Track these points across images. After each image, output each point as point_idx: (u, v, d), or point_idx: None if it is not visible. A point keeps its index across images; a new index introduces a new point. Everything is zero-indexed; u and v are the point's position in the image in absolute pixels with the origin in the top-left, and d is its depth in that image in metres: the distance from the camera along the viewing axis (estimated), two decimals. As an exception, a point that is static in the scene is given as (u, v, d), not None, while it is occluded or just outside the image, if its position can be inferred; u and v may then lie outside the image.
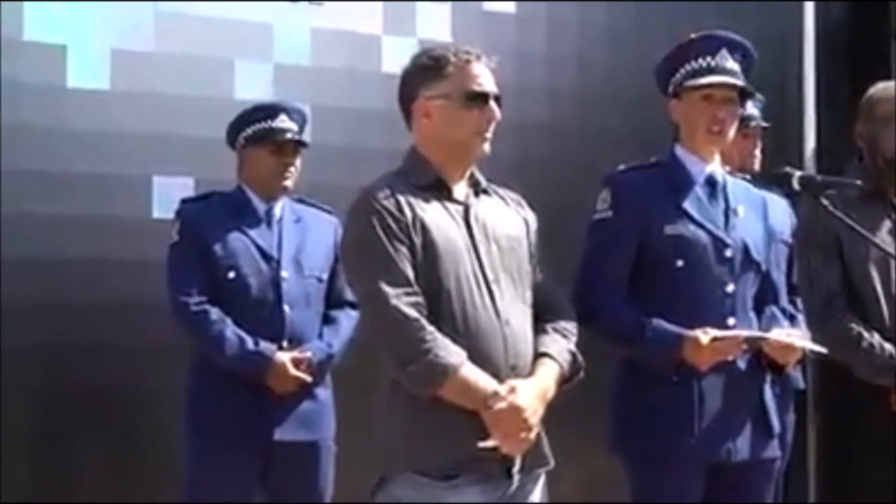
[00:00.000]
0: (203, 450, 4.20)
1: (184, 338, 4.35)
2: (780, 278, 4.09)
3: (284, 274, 4.24)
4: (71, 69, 4.85)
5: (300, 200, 4.45)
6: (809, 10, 6.50)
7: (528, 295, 3.20)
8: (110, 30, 4.90)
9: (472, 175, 3.25)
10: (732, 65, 3.68)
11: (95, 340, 4.89)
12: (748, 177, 4.11)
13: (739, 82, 3.68)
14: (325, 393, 4.30)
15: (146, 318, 4.88)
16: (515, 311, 3.13)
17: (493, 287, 3.10)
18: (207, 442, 4.18)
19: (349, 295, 4.25)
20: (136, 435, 4.97)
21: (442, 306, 3.05)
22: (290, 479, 4.20)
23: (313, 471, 4.25)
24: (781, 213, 4.39)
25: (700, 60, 3.66)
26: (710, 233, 3.64)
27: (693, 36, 3.74)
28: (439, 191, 3.17)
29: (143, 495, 4.94)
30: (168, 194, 4.86)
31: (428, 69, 3.19)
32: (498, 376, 3.03)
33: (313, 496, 4.25)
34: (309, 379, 4.18)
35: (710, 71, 3.65)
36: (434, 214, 3.12)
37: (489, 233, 3.17)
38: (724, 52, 3.68)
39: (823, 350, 3.64)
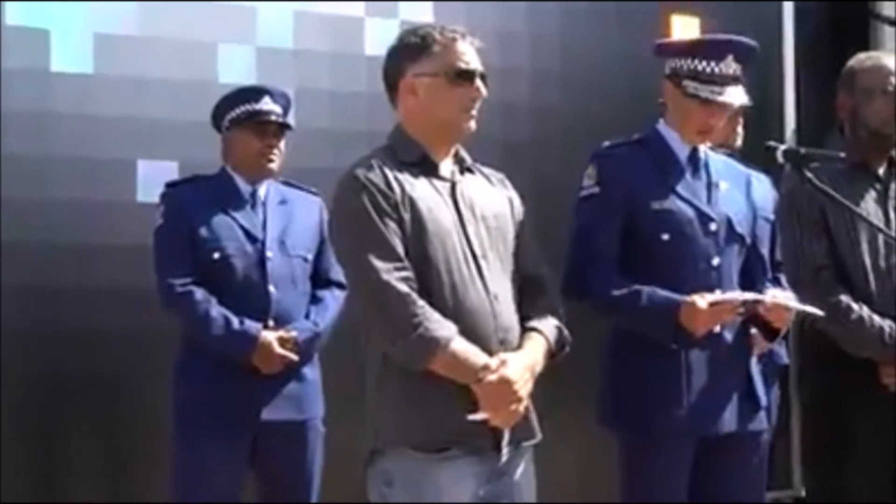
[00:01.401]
0: (191, 433, 4.19)
1: (170, 322, 4.35)
2: (764, 255, 4.12)
3: (269, 254, 4.25)
4: (54, 53, 4.85)
5: (285, 182, 4.45)
6: (789, -11, 6.56)
7: (514, 271, 3.23)
8: (93, 14, 4.90)
9: (457, 153, 3.28)
10: (736, 70, 3.70)
11: (80, 325, 4.89)
12: (731, 153, 4.15)
13: (738, 102, 3.73)
14: (312, 373, 4.31)
15: (132, 302, 4.88)
16: (503, 287, 3.16)
17: (482, 263, 3.13)
18: (195, 425, 4.18)
19: (335, 275, 4.27)
20: (121, 420, 4.97)
21: (431, 281, 3.07)
22: (279, 459, 4.21)
23: (302, 451, 4.25)
24: (764, 190, 4.43)
25: (705, 63, 3.67)
26: (694, 207, 3.69)
27: (705, 38, 3.76)
28: (426, 168, 3.19)
29: (132, 480, 4.95)
30: (152, 178, 4.85)
31: (414, 47, 3.21)
32: (487, 350, 3.06)
33: (302, 476, 4.25)
34: (295, 358, 4.19)
35: (714, 80, 3.66)
36: (422, 191, 3.14)
37: (476, 210, 3.19)
38: (730, 58, 3.69)
39: (819, 312, 3.64)
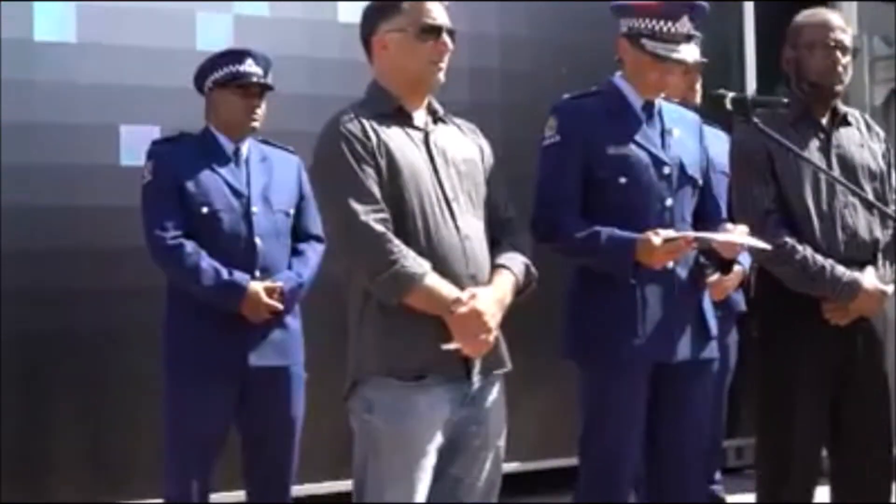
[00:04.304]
0: (182, 380, 4.33)
1: (154, 279, 4.47)
2: (722, 206, 4.31)
3: (255, 209, 4.40)
4: (38, 23, 5.02)
5: (263, 141, 4.61)
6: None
7: (483, 213, 3.43)
8: (76, -15, 5.06)
9: (429, 104, 3.48)
10: (690, 29, 3.91)
11: (66, 285, 5.08)
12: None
13: (692, 59, 3.96)
14: (294, 322, 4.47)
15: (116, 263, 5.09)
16: (473, 227, 3.37)
17: (454, 205, 3.34)
18: (186, 372, 4.32)
19: (314, 229, 4.46)
20: (108, 377, 5.15)
21: (406, 223, 3.28)
22: (265, 402, 4.37)
23: (286, 394, 4.41)
24: (721, 145, 4.64)
25: (662, 23, 3.88)
26: (648, 152, 3.91)
27: (663, 1, 3.93)
28: (400, 118, 3.40)
29: (115, 437, 5.13)
30: (134, 142, 5.03)
31: (386, 6, 3.42)
32: (459, 286, 3.27)
33: (286, 420, 4.42)
34: (281, 307, 4.35)
35: (671, 38, 3.88)
36: (397, 139, 3.34)
37: (448, 156, 3.40)
38: (685, 18, 3.90)
39: (767, 246, 3.84)
